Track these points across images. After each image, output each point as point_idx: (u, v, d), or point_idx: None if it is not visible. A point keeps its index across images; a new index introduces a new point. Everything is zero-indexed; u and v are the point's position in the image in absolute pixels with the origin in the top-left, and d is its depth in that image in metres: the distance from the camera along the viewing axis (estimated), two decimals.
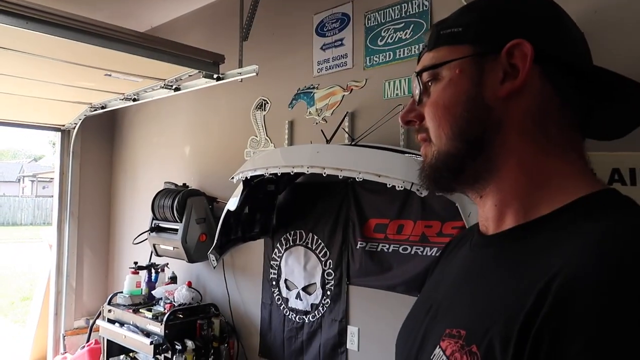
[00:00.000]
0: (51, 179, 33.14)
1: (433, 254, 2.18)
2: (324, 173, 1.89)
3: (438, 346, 0.54)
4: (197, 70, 2.49)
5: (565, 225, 0.51)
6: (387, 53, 2.33)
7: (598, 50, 0.68)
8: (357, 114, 2.46)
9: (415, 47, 2.23)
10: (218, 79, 2.52)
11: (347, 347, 2.49)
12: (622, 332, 0.39)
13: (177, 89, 2.80)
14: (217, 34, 3.30)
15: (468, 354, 0.49)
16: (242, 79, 2.47)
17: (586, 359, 0.40)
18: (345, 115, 2.44)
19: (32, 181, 33.65)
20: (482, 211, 0.63)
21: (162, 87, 2.78)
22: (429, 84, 0.62)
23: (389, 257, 2.35)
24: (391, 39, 2.31)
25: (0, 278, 9.64)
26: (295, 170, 2.00)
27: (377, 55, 2.37)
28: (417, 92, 0.63)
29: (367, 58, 2.41)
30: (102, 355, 3.36)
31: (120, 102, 3.22)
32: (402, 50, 2.28)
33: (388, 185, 1.71)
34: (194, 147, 3.51)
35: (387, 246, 2.35)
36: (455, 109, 0.58)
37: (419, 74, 0.63)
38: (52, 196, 4.18)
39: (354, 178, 1.82)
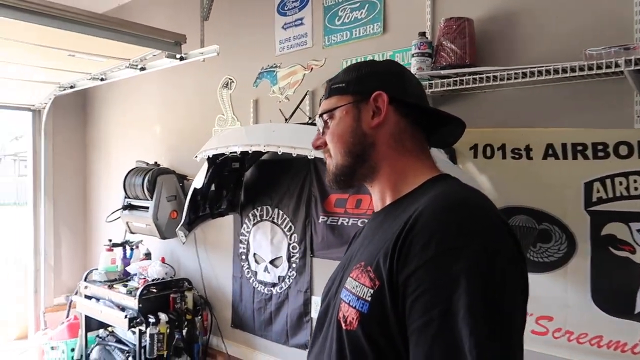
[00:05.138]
0: None
1: None
2: (279, 151, 1.97)
3: (349, 277, 0.83)
4: (160, 51, 2.53)
5: (419, 194, 0.85)
6: (345, 32, 2.38)
7: None
8: (317, 92, 2.53)
9: (370, 27, 2.29)
10: (181, 58, 2.56)
11: (312, 316, 2.62)
12: (442, 228, 0.73)
13: (142, 69, 2.83)
14: (179, 12, 3.30)
15: (365, 273, 0.79)
16: (204, 58, 2.51)
17: (427, 242, 0.72)
18: (305, 94, 2.50)
19: (14, 160, 33.15)
20: (374, 196, 0.95)
21: (128, 67, 2.81)
22: (328, 121, 0.92)
23: (349, 230, 2.45)
24: (348, 19, 2.36)
25: None
26: (253, 149, 2.07)
27: (335, 35, 2.42)
28: (320, 127, 0.93)
29: (326, 37, 2.47)
30: (80, 329, 3.46)
31: (88, 81, 3.23)
32: (358, 29, 2.33)
33: None
34: (164, 126, 3.55)
35: (347, 220, 2.46)
36: (345, 137, 0.89)
37: (321, 115, 0.93)
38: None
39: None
